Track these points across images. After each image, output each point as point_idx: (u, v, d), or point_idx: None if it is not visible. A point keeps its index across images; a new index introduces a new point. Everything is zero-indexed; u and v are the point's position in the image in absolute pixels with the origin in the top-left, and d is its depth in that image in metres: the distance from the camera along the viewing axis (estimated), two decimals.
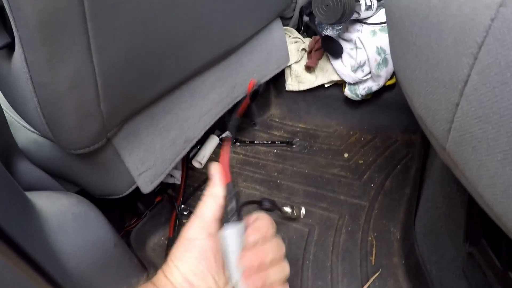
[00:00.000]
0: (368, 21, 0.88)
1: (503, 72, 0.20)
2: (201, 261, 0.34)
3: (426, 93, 0.29)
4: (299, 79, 1.03)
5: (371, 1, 0.83)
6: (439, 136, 0.28)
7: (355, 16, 0.86)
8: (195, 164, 0.98)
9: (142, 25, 0.49)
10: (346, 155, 0.94)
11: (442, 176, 0.55)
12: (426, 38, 0.27)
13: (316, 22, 0.98)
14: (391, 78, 0.91)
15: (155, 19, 0.51)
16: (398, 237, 0.71)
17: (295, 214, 0.78)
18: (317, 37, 0.97)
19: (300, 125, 1.08)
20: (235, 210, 0.35)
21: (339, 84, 1.00)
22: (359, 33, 0.89)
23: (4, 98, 0.52)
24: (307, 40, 1.02)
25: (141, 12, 0.48)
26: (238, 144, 1.04)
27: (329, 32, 0.95)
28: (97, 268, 0.47)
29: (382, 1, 0.86)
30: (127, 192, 0.65)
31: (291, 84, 1.06)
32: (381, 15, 0.87)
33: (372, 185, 0.83)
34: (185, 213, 0.83)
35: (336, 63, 0.94)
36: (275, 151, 1.00)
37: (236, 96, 0.85)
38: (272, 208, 0.41)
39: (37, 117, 0.48)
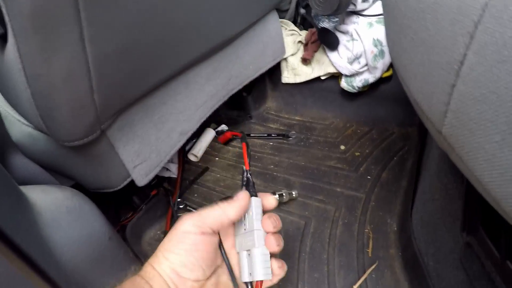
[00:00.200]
0: (365, 13, 0.87)
1: (500, 50, 0.20)
2: (193, 253, 0.34)
3: (422, 77, 0.29)
4: (295, 72, 1.03)
5: None
6: (435, 119, 0.28)
7: (351, 8, 0.86)
8: (191, 157, 0.97)
9: (136, 15, 0.48)
10: (342, 147, 0.94)
11: (439, 168, 0.55)
12: (422, 20, 0.27)
13: (312, 14, 0.97)
14: (387, 70, 0.90)
15: (150, 10, 0.50)
16: (395, 229, 0.71)
17: (285, 198, 0.78)
18: (314, 29, 0.96)
19: (297, 118, 1.08)
20: (253, 186, 0.40)
21: (336, 76, 1.00)
22: (355, 25, 0.88)
23: None
24: (304, 33, 1.01)
25: (135, 2, 0.47)
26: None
27: (326, 24, 0.94)
28: (91, 262, 0.47)
29: None
30: (122, 185, 0.64)
31: (287, 77, 1.05)
32: (377, 7, 0.86)
33: (368, 177, 0.83)
34: (181, 206, 0.82)
35: (333, 55, 0.94)
36: (271, 143, 1.00)
37: (232, 88, 0.84)
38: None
39: (30, 109, 0.47)
